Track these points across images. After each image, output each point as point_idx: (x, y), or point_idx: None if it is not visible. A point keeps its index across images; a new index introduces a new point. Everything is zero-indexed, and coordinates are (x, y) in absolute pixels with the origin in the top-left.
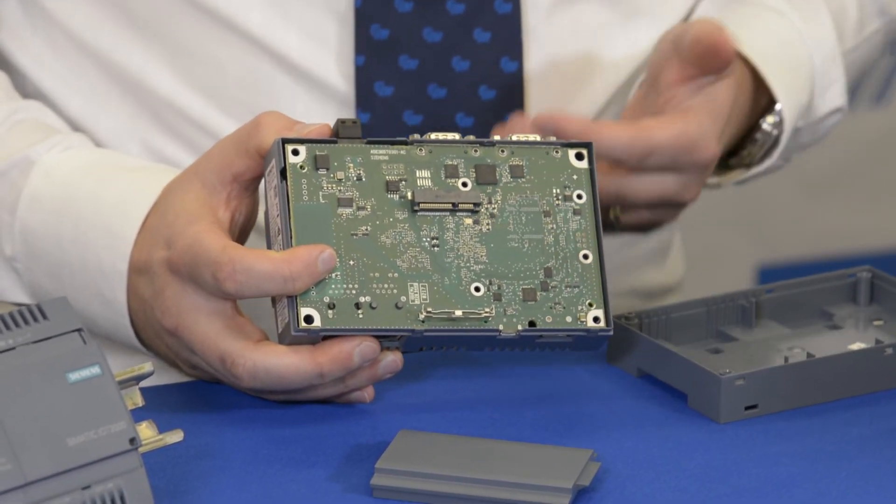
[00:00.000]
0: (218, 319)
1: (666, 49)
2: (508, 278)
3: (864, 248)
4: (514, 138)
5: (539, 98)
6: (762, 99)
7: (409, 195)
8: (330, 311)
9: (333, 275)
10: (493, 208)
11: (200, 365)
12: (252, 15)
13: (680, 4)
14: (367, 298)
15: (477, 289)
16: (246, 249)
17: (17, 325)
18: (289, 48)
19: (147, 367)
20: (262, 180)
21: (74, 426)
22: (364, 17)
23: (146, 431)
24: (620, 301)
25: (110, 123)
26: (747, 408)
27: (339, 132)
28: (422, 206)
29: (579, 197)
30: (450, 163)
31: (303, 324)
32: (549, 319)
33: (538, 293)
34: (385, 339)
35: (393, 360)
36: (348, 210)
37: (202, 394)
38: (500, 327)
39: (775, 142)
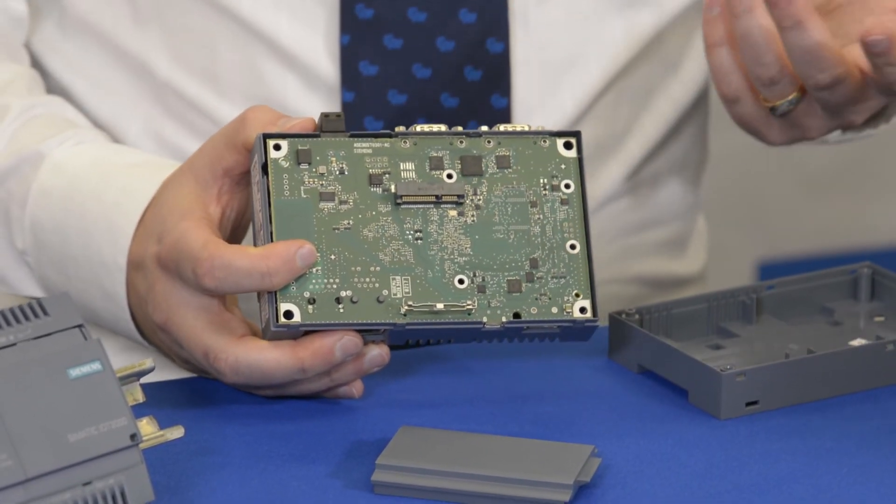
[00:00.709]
0: (203, 315)
1: None
2: (493, 270)
3: (864, 244)
4: (502, 128)
5: (526, 82)
6: None
7: (393, 188)
8: (310, 306)
9: (314, 270)
10: (479, 199)
11: (190, 359)
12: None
13: None
14: (349, 293)
15: (461, 281)
16: (226, 245)
17: (17, 321)
18: (279, 32)
19: (148, 363)
20: (251, 174)
21: (75, 422)
22: None
23: (147, 427)
24: (626, 288)
25: (113, 104)
26: (748, 404)
27: (323, 126)
28: (405, 199)
29: (567, 186)
30: (435, 154)
31: (282, 319)
32: (534, 311)
33: (523, 284)
34: (367, 333)
35: (379, 354)
36: (330, 204)
37: (203, 390)
38: (484, 319)
39: None
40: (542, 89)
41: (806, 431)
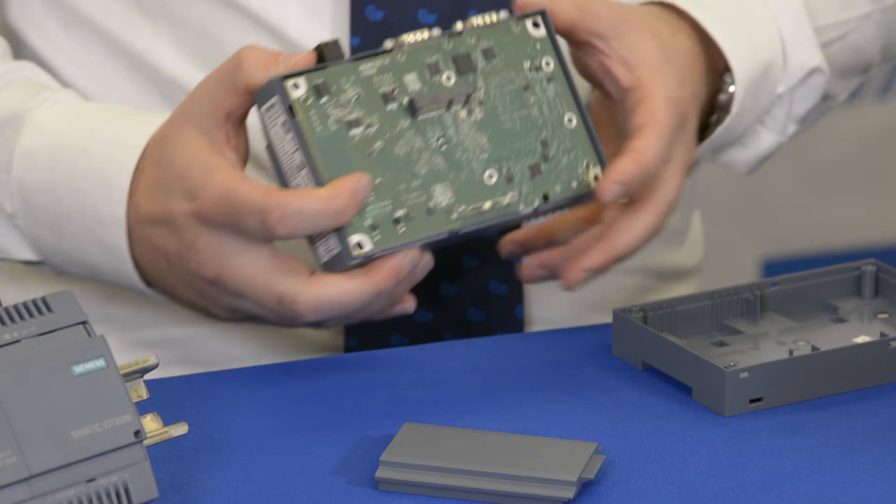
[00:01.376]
0: (265, 262)
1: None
2: (513, 158)
3: (868, 241)
4: (476, 22)
5: None
6: (720, 63)
7: (406, 101)
8: (375, 233)
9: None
10: (480, 94)
11: (244, 307)
12: None
13: None
14: (403, 211)
15: (490, 176)
16: (289, 192)
17: (21, 317)
18: (287, 25)
19: (152, 359)
20: (258, 117)
21: (79, 419)
22: None
23: (151, 424)
24: (632, 279)
25: (117, 100)
26: (752, 401)
27: (326, 55)
28: (423, 109)
29: (547, 64)
30: (430, 61)
31: (357, 251)
32: (558, 189)
33: (542, 165)
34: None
35: (426, 261)
36: (358, 130)
37: (207, 386)
38: (521, 207)
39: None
40: None
41: (810, 428)
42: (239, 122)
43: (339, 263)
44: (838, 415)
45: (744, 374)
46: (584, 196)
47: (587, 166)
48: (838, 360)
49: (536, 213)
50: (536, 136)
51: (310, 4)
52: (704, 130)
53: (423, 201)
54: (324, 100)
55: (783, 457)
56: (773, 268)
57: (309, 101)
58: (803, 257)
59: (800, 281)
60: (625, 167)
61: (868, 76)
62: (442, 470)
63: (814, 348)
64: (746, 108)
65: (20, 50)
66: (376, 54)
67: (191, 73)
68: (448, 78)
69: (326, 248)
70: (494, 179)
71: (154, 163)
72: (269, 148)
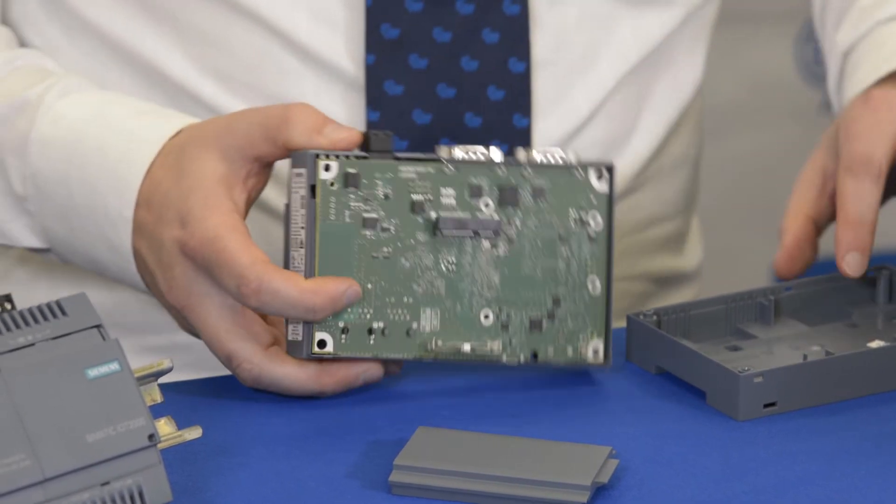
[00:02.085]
0: (228, 316)
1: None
2: (517, 306)
3: (881, 247)
4: (538, 156)
5: (544, 87)
6: None
7: (434, 217)
8: (343, 336)
9: None
10: (511, 231)
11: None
12: None
13: None
14: (381, 324)
15: (486, 316)
16: (274, 269)
17: (36, 321)
18: (297, 29)
19: (166, 363)
20: (289, 175)
21: (93, 422)
22: (375, 16)
23: (165, 428)
24: (635, 285)
25: None
26: (766, 405)
27: (372, 144)
28: (444, 233)
29: (595, 221)
30: (475, 182)
31: (316, 349)
32: (550, 351)
33: (544, 322)
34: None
35: (381, 374)
36: (372, 231)
37: (221, 390)
38: (504, 358)
39: None
40: (559, 94)
41: (824, 433)
42: (267, 165)
43: (298, 351)
44: (852, 419)
45: (758, 379)
46: (576, 366)
47: (590, 336)
48: (853, 365)
49: (521, 367)
50: (551, 290)
51: (322, 12)
52: None
53: (406, 321)
54: (350, 190)
55: (797, 461)
56: None
57: (334, 187)
58: (817, 262)
59: (814, 286)
60: (856, 240)
61: None
62: (456, 474)
63: (828, 353)
64: None
65: None
66: (424, 159)
67: (197, 78)
68: (487, 205)
69: (294, 329)
70: (489, 321)
71: (167, 167)
72: (287, 208)
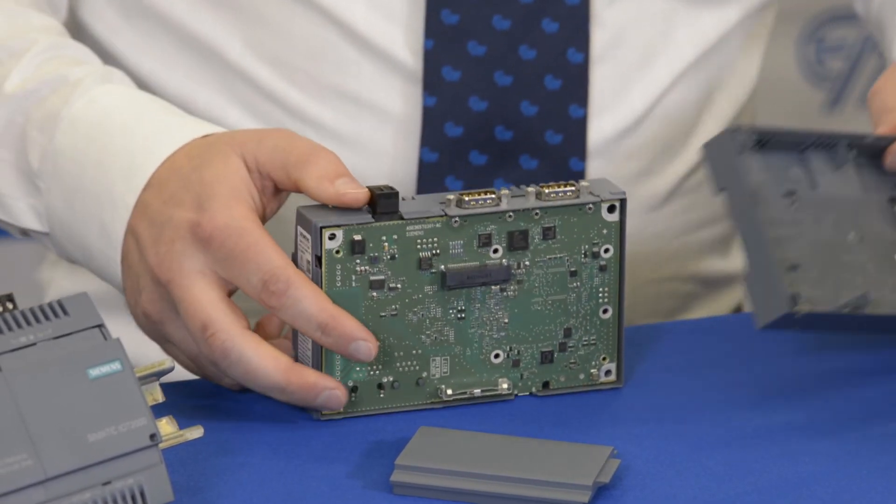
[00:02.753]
0: (216, 293)
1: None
2: (528, 342)
3: None
4: (549, 193)
5: (602, 81)
6: None
7: (442, 270)
8: (353, 395)
9: None
10: (521, 273)
11: (165, 323)
12: None
13: None
14: (390, 378)
15: (496, 356)
16: (304, 276)
17: (37, 320)
18: (355, 18)
19: (167, 363)
20: (296, 231)
21: (95, 422)
22: (435, 1)
23: (166, 427)
24: (683, 286)
25: (177, 85)
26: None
27: (378, 206)
28: (454, 287)
29: (606, 251)
30: (483, 232)
31: (325, 410)
32: (562, 379)
33: (555, 354)
34: None
35: (340, 399)
36: (379, 291)
37: (223, 390)
38: (514, 394)
39: None
40: (615, 90)
41: (827, 433)
42: (277, 191)
43: (313, 410)
44: (855, 419)
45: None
46: (587, 388)
47: (602, 360)
48: None
49: (533, 397)
50: (563, 323)
51: (381, 1)
52: None
53: (416, 371)
54: (356, 255)
55: (799, 461)
56: None
57: (340, 255)
58: None
59: None
60: None
61: None
62: (457, 474)
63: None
64: None
65: (83, 40)
66: (430, 217)
67: (254, 63)
68: (496, 251)
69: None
70: (500, 360)
71: (190, 156)
72: (293, 258)
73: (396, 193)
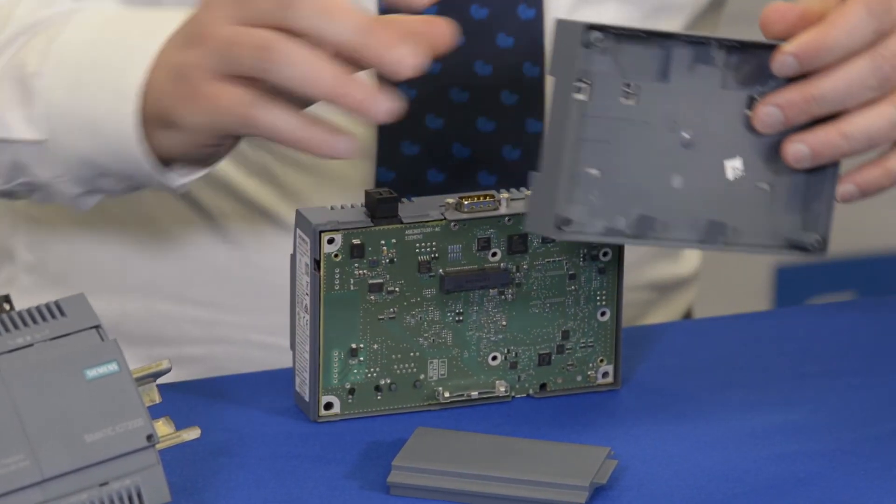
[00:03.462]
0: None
1: None
2: (525, 344)
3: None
4: None
5: None
6: None
7: (441, 274)
8: (350, 397)
9: (357, 359)
10: (520, 276)
11: (228, 44)
12: None
13: None
14: (388, 380)
15: (494, 358)
16: None
17: (34, 321)
18: None
19: (165, 364)
20: (294, 234)
21: (92, 423)
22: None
23: (163, 428)
24: (637, 295)
25: None
26: None
27: (376, 210)
28: (453, 291)
29: (605, 254)
30: (482, 235)
31: (322, 412)
32: (559, 381)
33: (553, 356)
34: None
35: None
36: (377, 294)
37: (220, 391)
38: (512, 396)
39: None
40: None
41: (823, 434)
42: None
43: (306, 412)
44: (851, 420)
45: None
46: (584, 390)
47: (599, 362)
48: None
49: (530, 399)
50: (561, 325)
51: None
52: None
53: (413, 373)
54: (354, 259)
55: (796, 462)
56: (785, 273)
57: (338, 258)
58: (816, 263)
59: None
60: (803, 39)
61: None
62: (454, 474)
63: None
64: None
65: None
66: (429, 221)
67: None
68: (494, 254)
69: (301, 382)
70: (497, 362)
71: None
72: (292, 259)
73: (396, 197)
